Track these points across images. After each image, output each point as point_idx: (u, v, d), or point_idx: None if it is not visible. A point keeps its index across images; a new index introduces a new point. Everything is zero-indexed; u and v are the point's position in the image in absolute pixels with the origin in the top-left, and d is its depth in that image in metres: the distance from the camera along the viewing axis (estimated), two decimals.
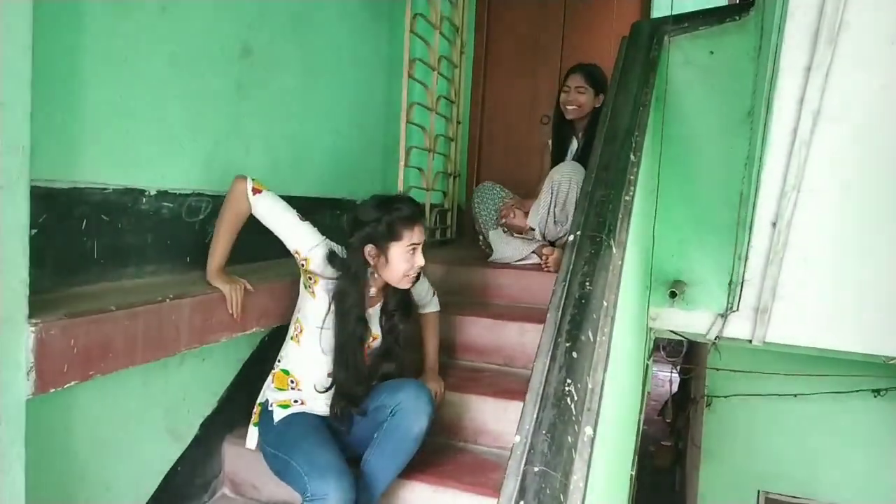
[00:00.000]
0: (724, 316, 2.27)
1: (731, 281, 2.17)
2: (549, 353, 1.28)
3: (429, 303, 2.20)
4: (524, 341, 2.37)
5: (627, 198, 1.67)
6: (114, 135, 1.63)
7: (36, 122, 1.23)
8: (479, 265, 2.85)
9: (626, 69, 2.09)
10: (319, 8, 2.50)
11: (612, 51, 3.70)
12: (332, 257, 1.81)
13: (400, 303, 1.98)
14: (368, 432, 1.86)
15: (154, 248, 1.79)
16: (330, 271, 1.82)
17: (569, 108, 2.99)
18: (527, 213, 2.93)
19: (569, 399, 1.17)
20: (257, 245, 2.20)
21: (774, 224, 1.79)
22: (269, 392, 1.92)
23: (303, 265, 1.84)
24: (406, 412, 1.80)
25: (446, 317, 2.44)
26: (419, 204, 1.92)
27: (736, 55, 2.22)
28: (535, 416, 1.20)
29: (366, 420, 1.89)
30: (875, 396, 3.78)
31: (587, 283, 1.38)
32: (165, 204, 1.81)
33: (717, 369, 3.54)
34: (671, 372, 6.45)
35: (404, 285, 1.90)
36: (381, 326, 1.97)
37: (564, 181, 2.76)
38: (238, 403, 2.18)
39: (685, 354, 6.40)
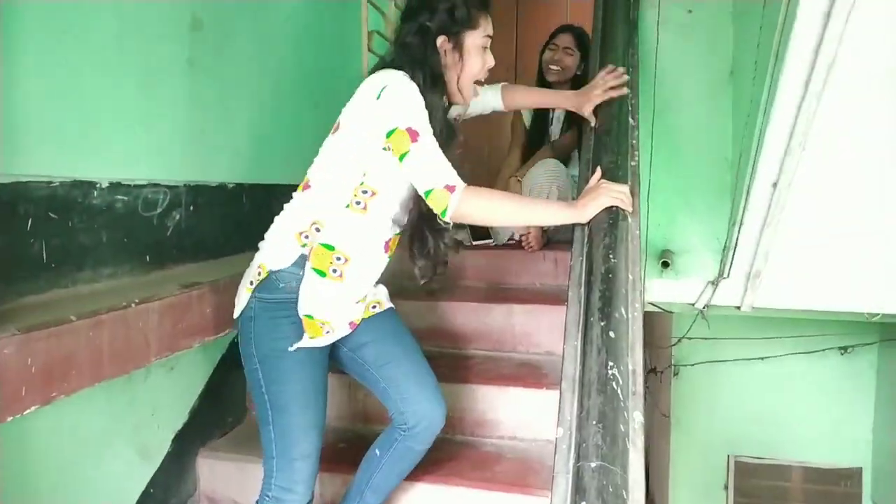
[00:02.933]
0: (714, 283, 2.22)
1: (724, 247, 2.11)
2: (582, 335, 1.17)
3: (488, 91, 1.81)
4: (512, 323, 2.26)
5: (633, 164, 1.57)
6: (56, 119, 1.42)
7: None
8: None
9: (607, 30, 1.98)
10: None
11: (568, 18, 3.63)
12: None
13: (449, 126, 1.59)
14: (364, 378, 1.65)
15: (110, 248, 1.58)
16: None
17: (552, 67, 2.77)
18: None
19: (614, 383, 1.05)
20: (222, 239, 2.02)
21: (775, 185, 1.73)
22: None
23: None
24: (422, 435, 1.59)
25: (427, 303, 2.31)
26: None
27: (715, 13, 2.15)
28: (576, 404, 1.08)
29: (364, 371, 1.64)
30: (842, 354, 3.86)
31: (611, 256, 1.26)
32: (119, 197, 1.61)
33: (689, 338, 3.54)
34: None
35: (468, 95, 1.57)
36: None
37: (545, 188, 2.58)
38: (211, 412, 2.00)
39: None
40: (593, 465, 0.95)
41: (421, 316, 2.29)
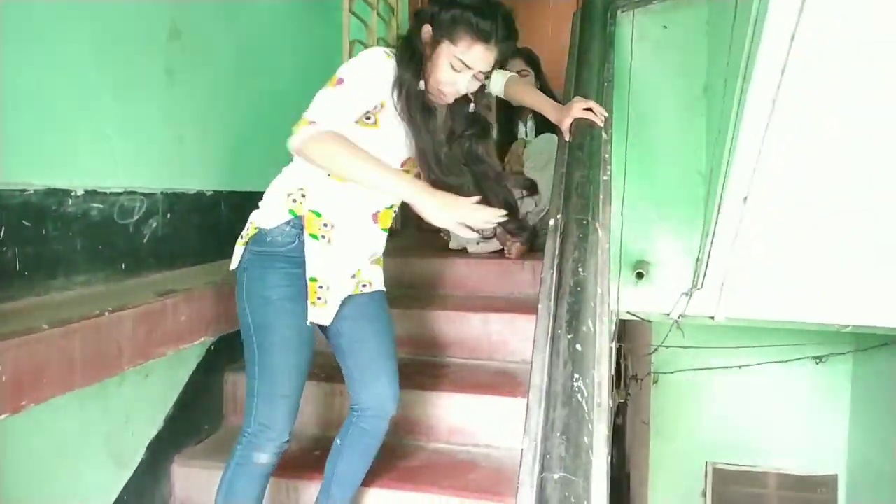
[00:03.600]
0: (688, 294, 2.25)
1: (697, 259, 2.14)
2: (550, 347, 1.19)
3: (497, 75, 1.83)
4: (489, 332, 2.27)
5: (605, 178, 1.60)
6: (32, 128, 1.42)
7: None
8: (431, 255, 2.74)
9: (584, 45, 2.01)
10: None
11: (549, 32, 3.67)
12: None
13: (467, 119, 1.60)
14: (337, 351, 1.69)
15: (84, 256, 1.59)
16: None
17: None
18: None
19: (579, 396, 1.07)
20: (199, 246, 2.03)
21: (746, 199, 1.77)
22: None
23: None
24: (372, 420, 1.66)
25: (405, 311, 2.32)
26: (515, 32, 1.49)
27: (689, 29, 2.18)
28: (542, 416, 1.10)
29: (339, 344, 1.67)
30: (817, 363, 3.92)
31: (580, 269, 1.29)
32: (95, 205, 1.61)
33: (667, 346, 3.58)
34: None
35: (433, 96, 1.53)
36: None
37: (544, 156, 2.58)
38: (186, 420, 2.00)
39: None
40: (556, 476, 0.97)
41: (398, 323, 2.28)
